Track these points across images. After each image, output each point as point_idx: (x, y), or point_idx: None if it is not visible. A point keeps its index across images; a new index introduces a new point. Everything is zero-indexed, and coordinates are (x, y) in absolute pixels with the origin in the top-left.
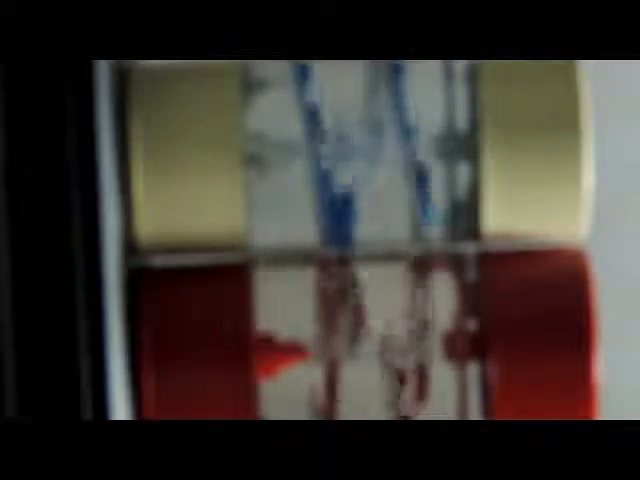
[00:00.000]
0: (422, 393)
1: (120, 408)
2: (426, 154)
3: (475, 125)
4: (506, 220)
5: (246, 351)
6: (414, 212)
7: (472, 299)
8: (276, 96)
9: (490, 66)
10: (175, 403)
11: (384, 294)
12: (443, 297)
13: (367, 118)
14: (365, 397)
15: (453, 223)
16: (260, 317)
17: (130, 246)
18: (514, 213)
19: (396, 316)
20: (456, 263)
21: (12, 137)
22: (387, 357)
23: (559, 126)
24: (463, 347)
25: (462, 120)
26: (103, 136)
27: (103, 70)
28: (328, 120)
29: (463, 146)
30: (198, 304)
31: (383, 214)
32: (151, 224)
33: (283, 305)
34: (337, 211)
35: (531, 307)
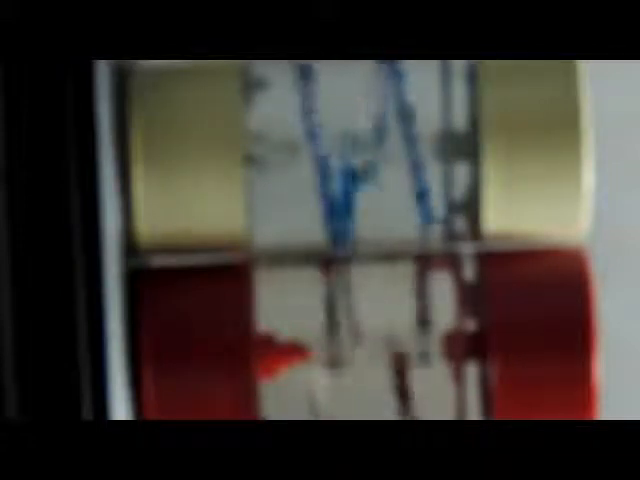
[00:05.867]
0: (421, 393)
1: (120, 408)
2: (426, 154)
3: (475, 125)
4: (506, 220)
5: (246, 351)
6: (414, 212)
7: (472, 299)
8: (276, 96)
9: (490, 66)
10: (175, 403)
11: (384, 293)
12: (443, 297)
13: (367, 118)
14: (365, 397)
15: (453, 223)
16: (260, 317)
17: (130, 246)
18: (514, 213)
19: (396, 316)
20: (456, 263)
21: (12, 137)
22: (387, 357)
23: (559, 126)
24: (462, 347)
25: (462, 120)
26: (103, 136)
27: (103, 70)
28: (328, 120)
29: (463, 146)
30: (198, 304)
31: (383, 214)
32: (151, 224)
33: (283, 305)
34: (337, 211)
35: (531, 307)
